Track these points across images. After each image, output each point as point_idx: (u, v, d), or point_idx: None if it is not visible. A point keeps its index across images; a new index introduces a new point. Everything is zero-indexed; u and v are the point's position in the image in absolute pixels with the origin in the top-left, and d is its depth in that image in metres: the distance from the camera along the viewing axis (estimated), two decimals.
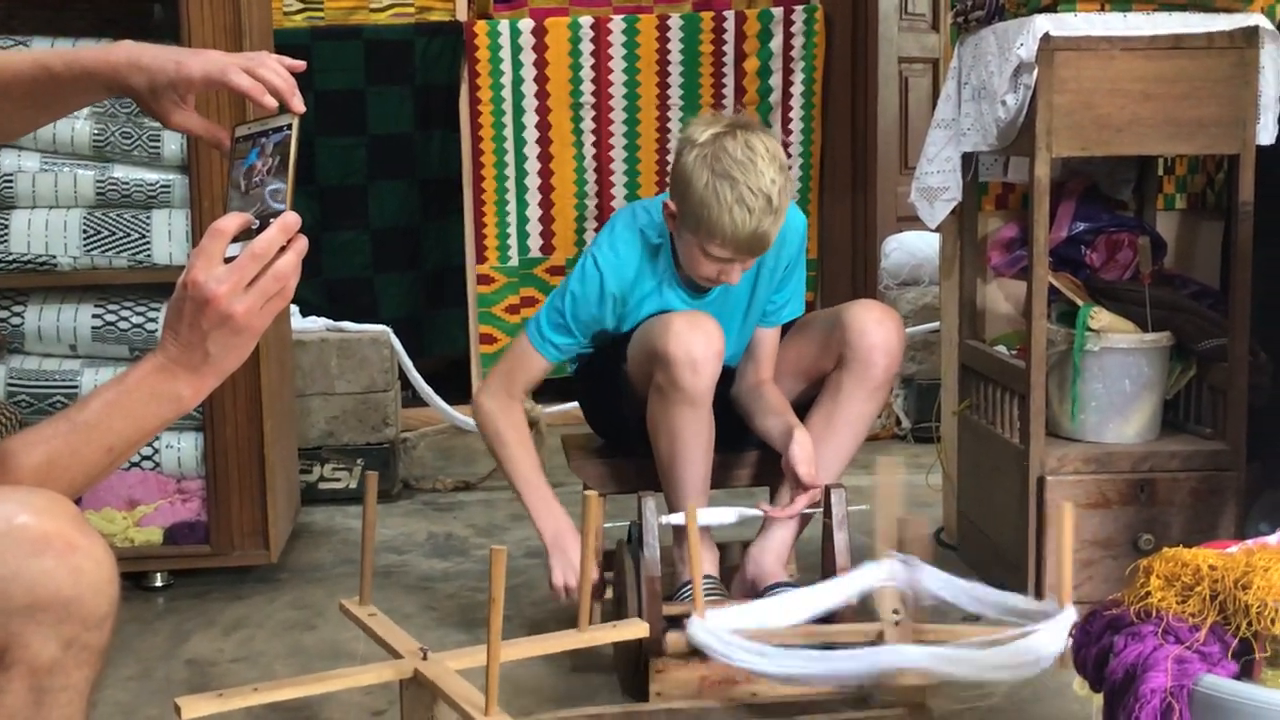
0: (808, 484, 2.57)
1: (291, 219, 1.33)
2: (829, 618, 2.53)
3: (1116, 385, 2.92)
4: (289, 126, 1.40)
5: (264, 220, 1.33)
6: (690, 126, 2.61)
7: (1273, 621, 1.42)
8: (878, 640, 2.29)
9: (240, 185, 1.39)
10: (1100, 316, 2.93)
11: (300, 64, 1.53)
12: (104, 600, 1.34)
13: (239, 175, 1.40)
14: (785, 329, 2.84)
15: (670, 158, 5.08)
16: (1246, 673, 1.46)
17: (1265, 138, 2.85)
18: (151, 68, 1.52)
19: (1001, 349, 3.20)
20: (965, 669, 2.00)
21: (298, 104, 1.46)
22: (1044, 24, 2.74)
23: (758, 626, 2.20)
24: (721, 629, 2.12)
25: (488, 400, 2.75)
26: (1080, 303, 2.96)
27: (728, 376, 2.77)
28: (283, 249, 1.32)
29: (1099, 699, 1.53)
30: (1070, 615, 1.96)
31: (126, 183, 3.10)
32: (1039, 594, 2.80)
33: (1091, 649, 1.55)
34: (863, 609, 2.53)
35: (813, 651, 2.15)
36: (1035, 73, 2.75)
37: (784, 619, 2.24)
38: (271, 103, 1.48)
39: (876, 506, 2.40)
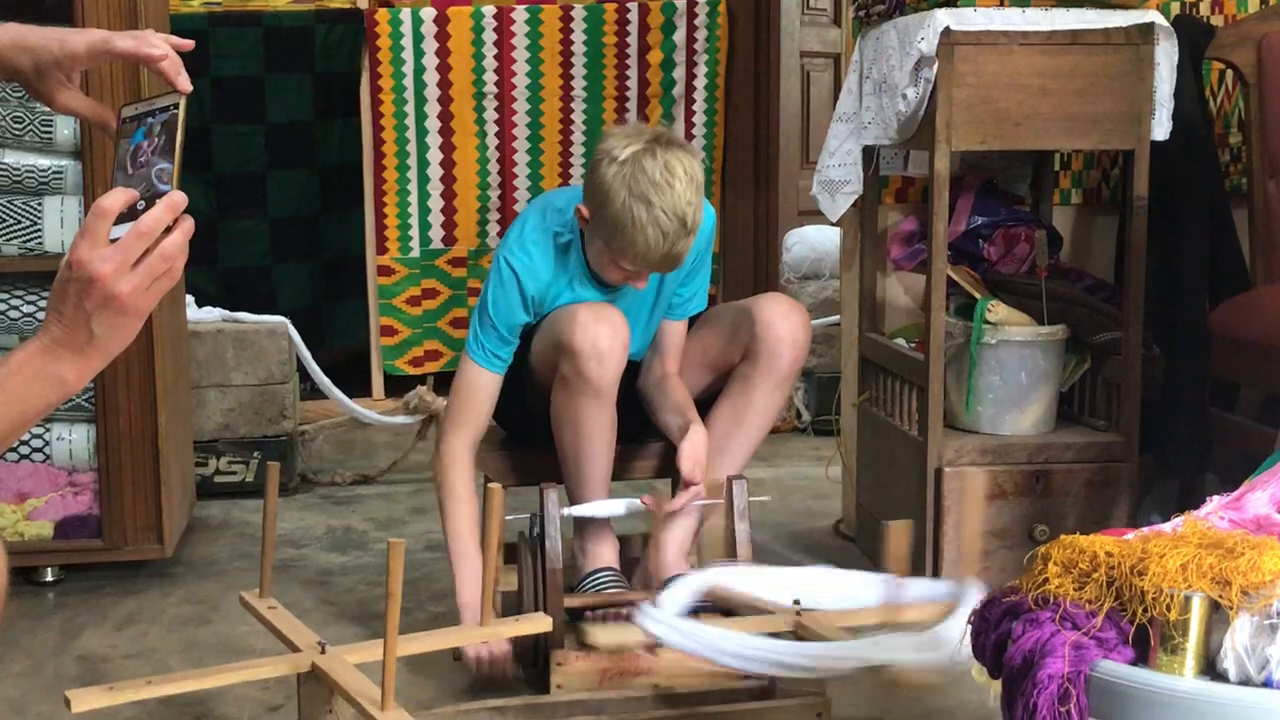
0: (688, 480, 2.58)
1: (178, 198, 1.30)
2: (729, 612, 2.55)
3: (1013, 377, 2.96)
4: (176, 106, 1.37)
5: (150, 200, 1.30)
6: (610, 138, 2.58)
7: (1168, 607, 1.43)
8: (799, 630, 2.29)
9: (126, 166, 1.36)
10: (997, 309, 2.96)
11: (188, 43, 1.50)
12: None
13: (125, 155, 1.37)
14: (692, 322, 2.84)
15: (574, 149, 5.11)
16: (1142, 658, 1.47)
17: (1159, 133, 2.90)
18: (36, 47, 1.49)
19: (900, 342, 3.23)
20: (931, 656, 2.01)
21: (184, 83, 1.43)
22: (944, 18, 2.76)
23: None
24: (673, 618, 2.12)
25: (453, 447, 2.67)
26: (978, 296, 2.99)
27: (633, 369, 2.77)
28: (170, 229, 1.29)
29: (997, 685, 1.54)
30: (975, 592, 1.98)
31: (17, 169, 3.03)
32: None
33: (990, 636, 1.56)
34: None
35: (776, 641, 2.15)
36: (935, 67, 2.77)
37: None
38: (157, 54, 1.44)
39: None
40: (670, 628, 2.11)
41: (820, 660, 2.11)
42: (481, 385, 2.66)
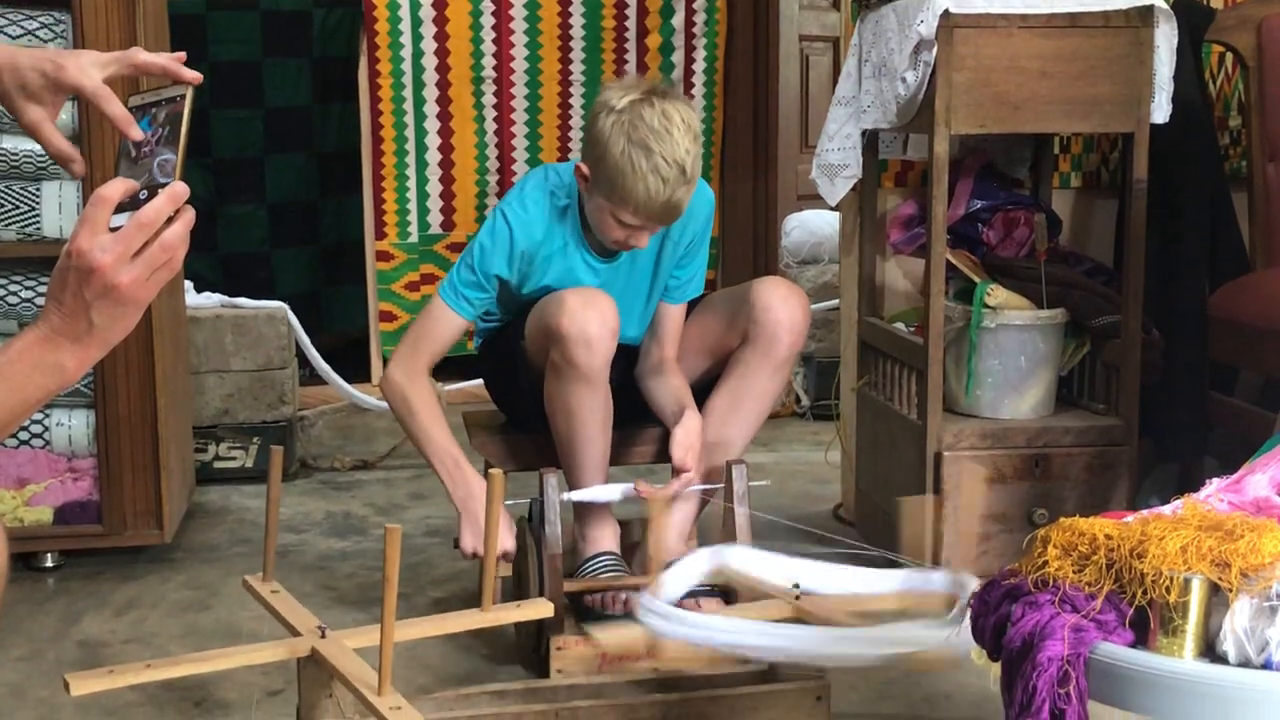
0: (679, 467, 2.59)
1: (179, 189, 1.30)
2: (729, 596, 2.55)
3: (1012, 361, 2.96)
4: (182, 97, 1.37)
5: (152, 190, 1.30)
6: (607, 90, 2.59)
7: (1167, 590, 1.43)
8: (799, 615, 2.29)
9: (130, 154, 1.36)
10: (997, 293, 2.96)
11: (181, 55, 1.50)
12: None
13: (129, 144, 1.37)
14: (690, 307, 2.83)
15: (573, 134, 5.10)
16: (1142, 641, 1.47)
17: (1159, 116, 2.89)
18: (25, 67, 1.49)
19: (900, 326, 3.22)
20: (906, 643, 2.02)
21: (190, 74, 1.43)
22: (944, 1, 2.75)
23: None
24: (667, 608, 2.12)
25: (395, 371, 2.71)
26: (977, 280, 2.99)
27: (631, 354, 2.77)
28: (171, 219, 1.29)
29: (996, 668, 1.54)
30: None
31: (15, 154, 3.03)
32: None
33: (990, 618, 1.56)
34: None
35: (766, 625, 2.15)
36: (935, 50, 2.76)
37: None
38: (164, 68, 1.45)
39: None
40: (668, 619, 2.11)
41: (822, 646, 2.11)
42: (446, 324, 2.68)
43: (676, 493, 2.62)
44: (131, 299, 1.28)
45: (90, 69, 1.51)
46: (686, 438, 2.60)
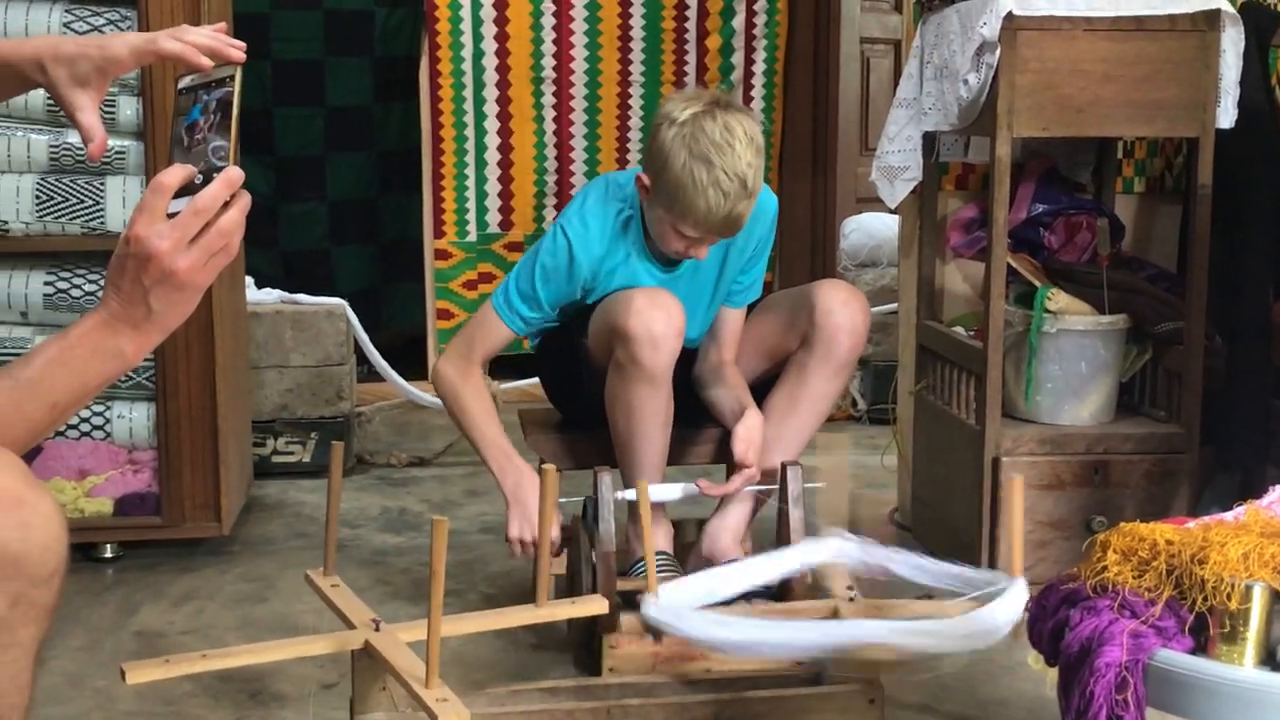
0: (740, 463, 2.57)
1: (235, 174, 1.30)
2: (781, 595, 2.54)
3: (1072, 367, 2.93)
4: (231, 80, 1.38)
5: (207, 176, 1.31)
6: (669, 102, 2.58)
7: (1228, 597, 1.42)
8: (833, 617, 2.29)
9: (183, 141, 1.37)
10: (1058, 298, 2.93)
11: (222, 25, 1.50)
12: (52, 557, 1.31)
13: (181, 131, 1.38)
14: (749, 308, 2.83)
15: (631, 135, 5.10)
16: (1201, 648, 1.46)
17: (1224, 121, 2.86)
18: (74, 55, 1.50)
19: (959, 330, 3.20)
20: (924, 641, 2.00)
21: (236, 53, 1.43)
22: (1007, 3, 2.73)
23: (707, 599, 2.21)
24: (676, 605, 2.12)
25: (447, 367, 2.73)
26: (1038, 284, 2.97)
27: (690, 355, 2.76)
28: (227, 205, 1.30)
29: (1054, 673, 1.53)
30: (1022, 585, 1.96)
31: (81, 149, 3.06)
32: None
33: (1047, 623, 1.55)
34: (816, 586, 2.55)
35: (771, 620, 2.15)
36: (998, 52, 2.74)
37: (730, 588, 2.25)
38: (205, 62, 1.45)
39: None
40: (673, 614, 2.10)
41: (853, 639, 2.11)
42: (496, 333, 2.70)
43: (738, 489, 2.61)
44: (190, 284, 1.29)
45: (135, 37, 1.52)
46: (748, 434, 2.58)
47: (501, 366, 3.57)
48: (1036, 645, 1.59)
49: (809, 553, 2.33)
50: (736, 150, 2.48)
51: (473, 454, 4.07)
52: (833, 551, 2.29)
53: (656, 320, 2.50)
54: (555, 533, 2.60)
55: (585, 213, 2.65)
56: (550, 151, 5.10)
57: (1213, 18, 2.77)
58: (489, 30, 4.97)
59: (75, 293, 3.09)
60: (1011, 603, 1.91)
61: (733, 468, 2.69)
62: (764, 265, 2.83)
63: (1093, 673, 1.43)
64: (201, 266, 1.29)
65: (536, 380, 3.06)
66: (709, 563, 2.68)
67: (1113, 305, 2.94)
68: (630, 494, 2.61)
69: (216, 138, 1.34)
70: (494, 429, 2.69)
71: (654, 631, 2.42)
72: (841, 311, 2.67)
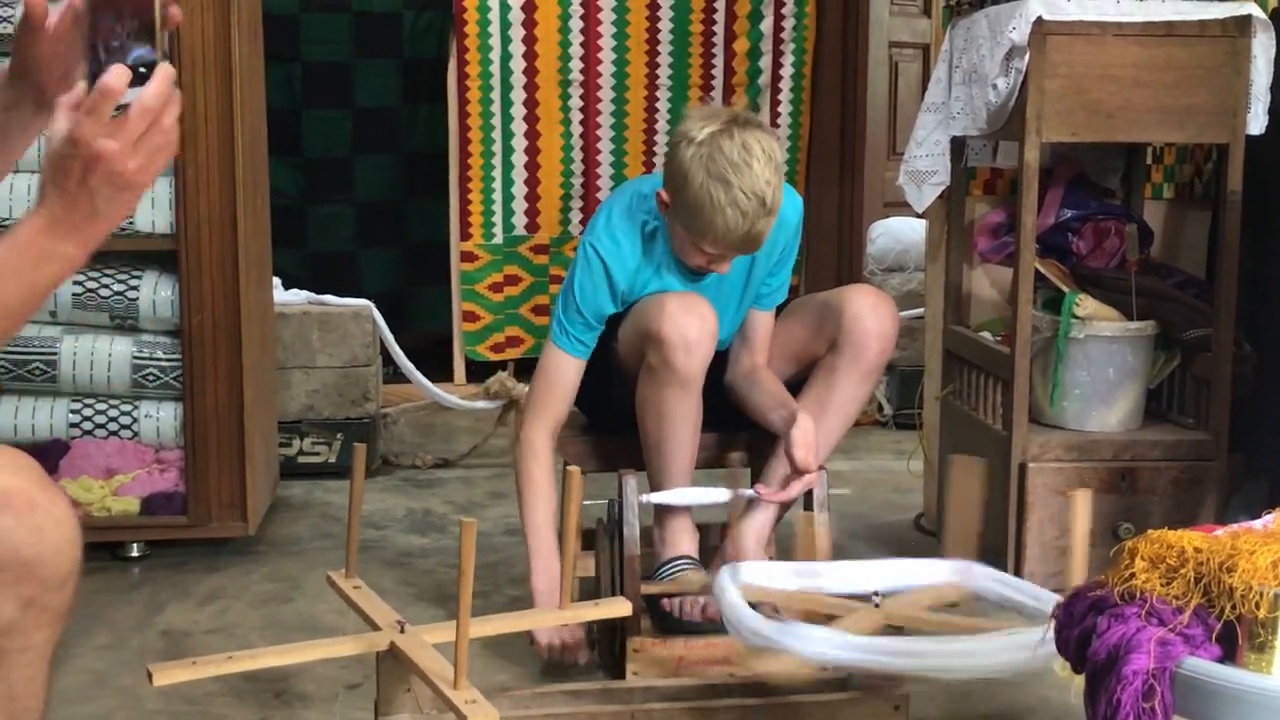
0: (802, 469, 2.55)
1: (170, 70, 1.30)
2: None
3: (1100, 373, 2.92)
4: None
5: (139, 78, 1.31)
6: (687, 120, 2.57)
7: (1257, 605, 1.41)
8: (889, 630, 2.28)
9: (98, 51, 1.35)
10: (1086, 304, 2.92)
11: None
12: (65, 560, 1.31)
13: (95, 39, 1.35)
14: (776, 312, 2.82)
15: (658, 138, 5.10)
16: (1230, 656, 1.45)
17: (1255, 127, 2.85)
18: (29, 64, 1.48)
19: (986, 335, 3.19)
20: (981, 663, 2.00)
21: None
22: (1037, 7, 2.72)
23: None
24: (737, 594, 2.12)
25: (534, 435, 2.67)
26: (1066, 290, 2.96)
27: (719, 359, 2.75)
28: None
29: (1080, 680, 1.53)
30: None
31: None
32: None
33: (1074, 630, 1.54)
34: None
35: (838, 635, 2.13)
36: (1027, 56, 2.74)
37: (840, 585, 2.25)
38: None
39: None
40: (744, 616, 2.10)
41: (897, 656, 2.09)
42: (565, 370, 2.66)
43: (798, 495, 2.59)
44: (135, 183, 1.29)
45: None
46: (804, 438, 2.55)
47: (527, 367, 3.53)
48: (1063, 652, 1.58)
49: (928, 572, 2.31)
50: (755, 169, 2.46)
51: (497, 456, 4.12)
52: (950, 574, 2.29)
53: (690, 325, 2.49)
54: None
55: (613, 229, 2.64)
56: (577, 154, 5.11)
57: (1243, 23, 2.76)
58: (517, 33, 4.98)
59: (104, 292, 3.11)
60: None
61: (763, 472, 2.68)
62: (791, 267, 2.82)
63: (1120, 680, 1.42)
64: (147, 167, 1.29)
65: None
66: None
67: (1141, 311, 2.93)
68: (658, 497, 2.61)
69: (136, 46, 1.33)
70: (545, 522, 2.64)
71: (684, 629, 2.43)
72: (871, 316, 2.66)
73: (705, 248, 2.53)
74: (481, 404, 4.29)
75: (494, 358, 5.09)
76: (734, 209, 2.45)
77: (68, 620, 1.37)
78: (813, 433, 2.57)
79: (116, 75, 1.28)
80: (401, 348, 4.38)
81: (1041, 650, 1.73)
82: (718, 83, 5.12)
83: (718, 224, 2.47)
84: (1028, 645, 1.90)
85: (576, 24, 5.02)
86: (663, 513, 2.68)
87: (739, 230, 2.47)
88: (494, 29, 4.96)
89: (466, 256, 5.10)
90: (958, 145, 3.19)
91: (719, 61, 5.12)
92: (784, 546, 2.82)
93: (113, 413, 3.17)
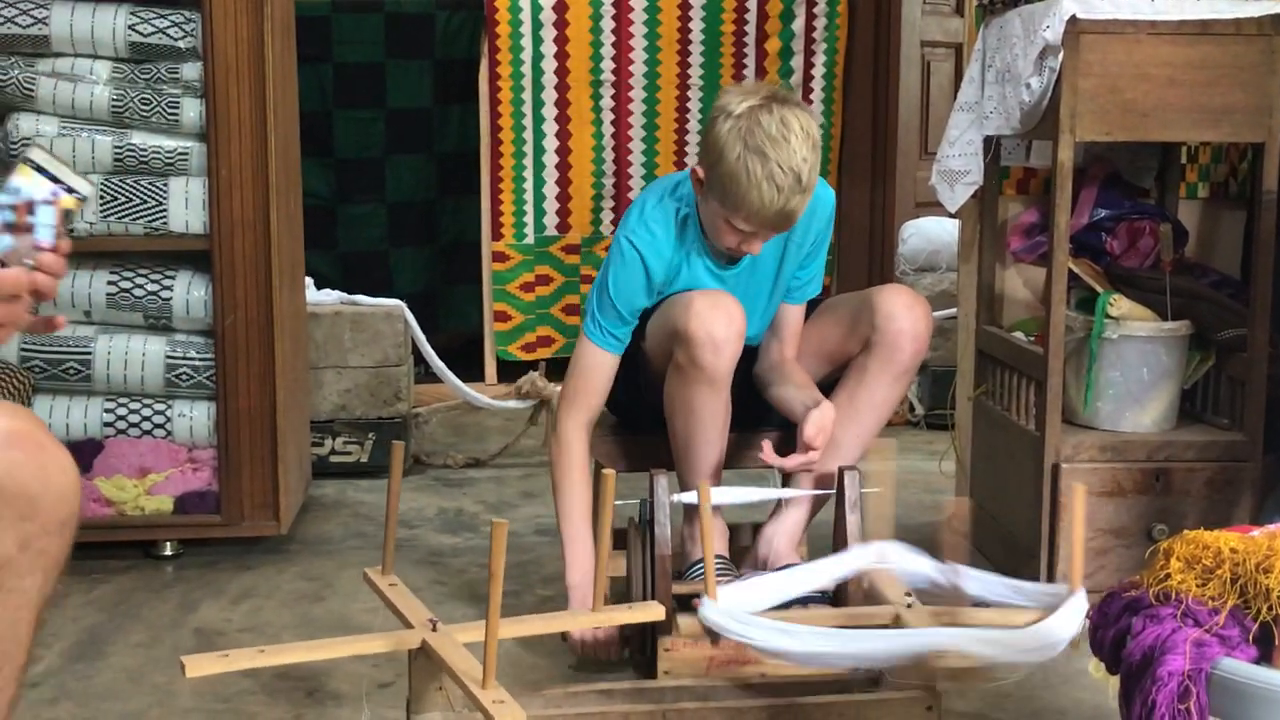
0: (807, 444, 2.54)
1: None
2: (837, 600, 2.53)
3: (1134, 373, 2.90)
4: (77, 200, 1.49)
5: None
6: (726, 95, 2.56)
7: None
8: (894, 624, 2.28)
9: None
10: (1120, 304, 2.91)
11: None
12: (65, 506, 1.36)
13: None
14: (808, 310, 2.81)
15: (690, 138, 5.09)
16: (1266, 657, 1.44)
17: None
18: None
19: (1019, 335, 3.18)
20: (988, 650, 1.99)
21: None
22: (1071, 6, 2.71)
23: (765, 604, 2.20)
24: (735, 609, 2.11)
25: (569, 429, 2.68)
26: (1100, 289, 2.94)
27: (750, 355, 2.75)
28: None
29: (1115, 681, 1.52)
30: (1082, 598, 1.95)
31: (144, 149, 3.09)
32: (1051, 580, 2.79)
33: (1109, 631, 1.53)
34: (871, 593, 2.53)
35: (837, 630, 2.13)
36: (1060, 55, 2.72)
37: (787, 592, 2.24)
38: None
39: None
40: (732, 618, 2.10)
41: (919, 647, 2.09)
42: (599, 365, 2.66)
43: (798, 465, 2.57)
44: None
45: None
46: (821, 418, 2.54)
47: (558, 368, 3.55)
48: (1098, 653, 1.57)
49: (852, 560, 2.32)
50: (792, 145, 2.45)
51: (529, 455, 4.12)
52: (873, 558, 2.29)
53: (718, 323, 2.49)
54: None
55: (647, 219, 2.64)
56: (608, 154, 5.11)
57: (1279, 22, 2.74)
58: (548, 33, 4.98)
59: (138, 292, 3.12)
60: (1071, 617, 1.89)
61: (790, 472, 2.67)
62: (823, 260, 2.81)
63: (1155, 681, 1.41)
64: None
65: None
66: (765, 567, 2.67)
67: (1175, 311, 2.91)
68: (687, 496, 2.61)
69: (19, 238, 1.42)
70: (581, 514, 2.65)
71: (712, 634, 2.42)
72: (905, 316, 2.65)
73: (738, 224, 2.51)
74: (513, 404, 4.29)
75: (525, 358, 5.09)
76: (770, 183, 2.44)
77: (61, 574, 1.40)
78: (830, 417, 2.56)
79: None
80: (433, 347, 4.39)
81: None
82: (749, 82, 5.11)
83: (753, 198, 2.45)
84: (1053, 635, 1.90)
85: (608, 24, 5.02)
86: (693, 512, 2.68)
87: (774, 205, 2.46)
88: (525, 29, 4.97)
89: (498, 256, 5.10)
90: (991, 145, 3.18)
91: (750, 61, 5.11)
92: (816, 547, 2.82)
93: (146, 412, 3.19)
